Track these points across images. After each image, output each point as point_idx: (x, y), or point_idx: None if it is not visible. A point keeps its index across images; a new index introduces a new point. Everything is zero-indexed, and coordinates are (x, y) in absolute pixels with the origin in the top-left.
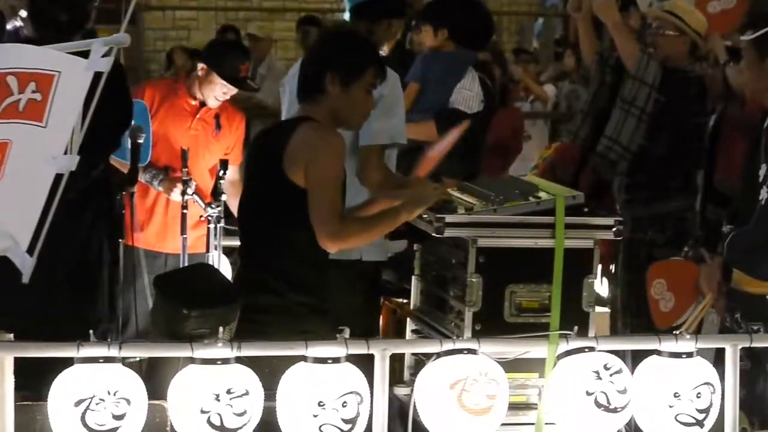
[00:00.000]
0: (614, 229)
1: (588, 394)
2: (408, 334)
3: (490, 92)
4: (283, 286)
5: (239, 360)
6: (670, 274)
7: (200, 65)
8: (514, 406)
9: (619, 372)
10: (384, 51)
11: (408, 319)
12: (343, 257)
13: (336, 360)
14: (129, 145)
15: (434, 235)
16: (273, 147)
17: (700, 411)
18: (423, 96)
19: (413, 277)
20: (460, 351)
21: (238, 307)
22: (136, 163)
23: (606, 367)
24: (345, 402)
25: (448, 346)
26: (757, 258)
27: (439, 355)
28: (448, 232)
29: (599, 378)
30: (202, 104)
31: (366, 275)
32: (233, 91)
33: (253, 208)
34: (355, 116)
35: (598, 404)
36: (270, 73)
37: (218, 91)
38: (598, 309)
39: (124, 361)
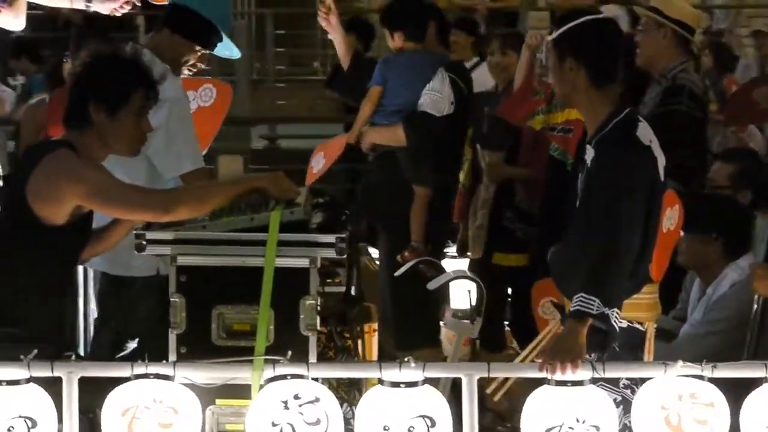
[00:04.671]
0: (336, 247)
1: (273, 425)
2: None
3: (462, 94)
4: None
5: None
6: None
7: None
8: None
9: (312, 401)
10: None
11: None
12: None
13: None
14: None
15: (135, 251)
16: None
17: None
18: (387, 99)
19: None
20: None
21: None
22: None
23: (296, 396)
24: None
25: (140, 370)
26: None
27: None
28: (150, 250)
29: (286, 408)
30: None
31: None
32: None
33: None
34: (127, 143)
35: None
36: None
37: None
38: None
39: None
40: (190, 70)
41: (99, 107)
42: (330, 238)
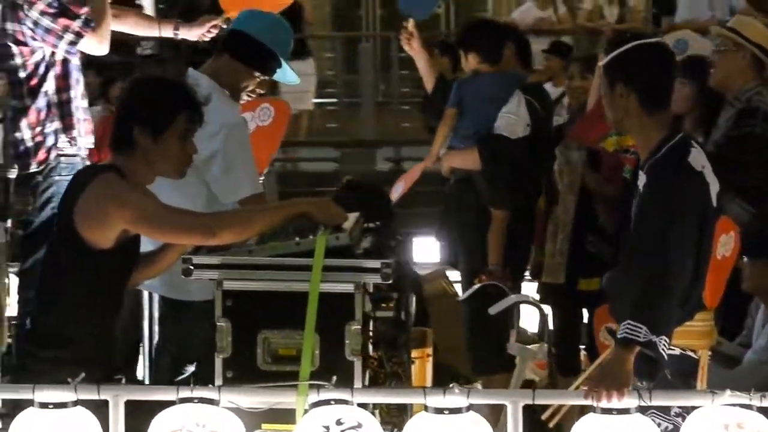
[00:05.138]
0: (382, 272)
1: None
2: None
3: (539, 115)
4: None
5: None
6: None
7: None
8: None
9: (354, 427)
10: None
11: None
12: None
13: None
14: None
15: (182, 276)
16: (68, 198)
17: None
18: (462, 122)
19: None
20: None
21: None
22: (7, 197)
23: (339, 422)
24: None
25: (185, 394)
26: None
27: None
28: (197, 274)
29: None
30: None
31: None
32: None
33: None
34: (173, 165)
35: None
36: None
37: None
38: None
39: None
40: (249, 96)
41: (143, 130)
42: (375, 264)
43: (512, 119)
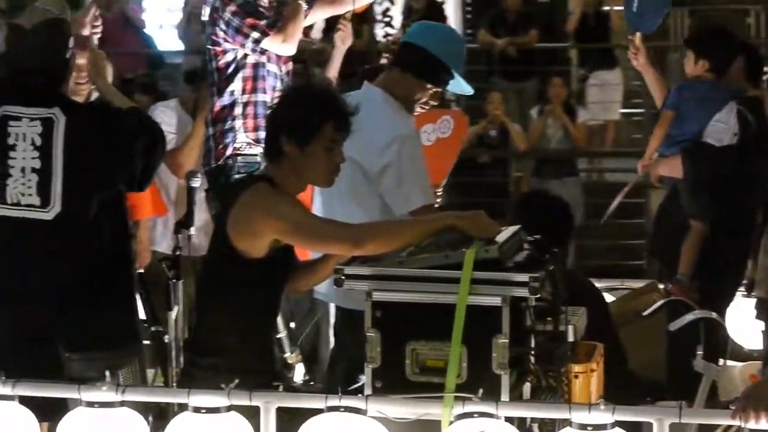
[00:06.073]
0: (530, 286)
1: None
2: None
3: (751, 127)
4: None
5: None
6: None
7: None
8: None
9: None
10: None
11: None
12: None
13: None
14: None
15: (334, 286)
16: (222, 209)
17: None
18: (675, 128)
19: None
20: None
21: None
22: (191, 206)
23: None
24: None
25: (333, 402)
26: None
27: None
28: (348, 284)
29: None
30: None
31: None
32: None
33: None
34: (320, 174)
35: None
36: None
37: None
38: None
39: None
40: (422, 108)
41: (290, 140)
42: (523, 277)
43: (720, 126)
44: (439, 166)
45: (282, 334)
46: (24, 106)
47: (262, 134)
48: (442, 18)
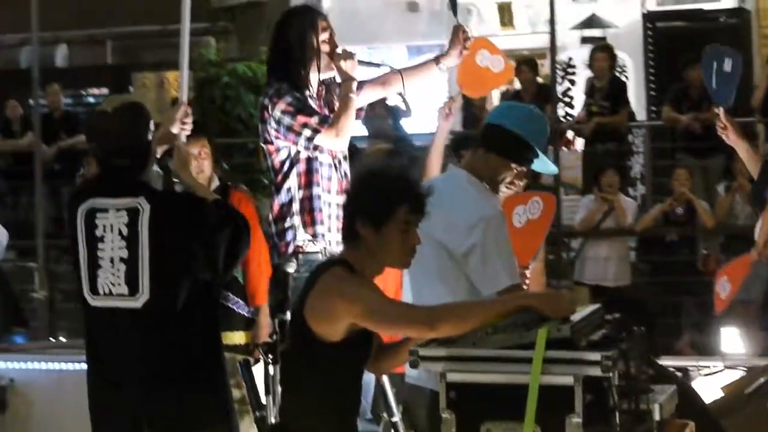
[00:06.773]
0: (602, 365)
1: None
2: None
3: None
4: None
5: None
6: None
7: None
8: None
9: None
10: None
11: None
12: None
13: None
14: None
15: (409, 368)
16: (302, 292)
17: None
18: None
19: None
20: None
21: None
22: (286, 290)
23: None
24: None
25: None
26: None
27: None
28: (423, 366)
29: None
30: None
31: None
32: None
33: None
34: (395, 256)
35: None
36: None
37: None
38: None
39: None
40: (508, 188)
41: (365, 223)
42: (595, 356)
43: None
44: (528, 246)
45: (396, 417)
46: (111, 197)
47: (320, 228)
48: (623, 97)
